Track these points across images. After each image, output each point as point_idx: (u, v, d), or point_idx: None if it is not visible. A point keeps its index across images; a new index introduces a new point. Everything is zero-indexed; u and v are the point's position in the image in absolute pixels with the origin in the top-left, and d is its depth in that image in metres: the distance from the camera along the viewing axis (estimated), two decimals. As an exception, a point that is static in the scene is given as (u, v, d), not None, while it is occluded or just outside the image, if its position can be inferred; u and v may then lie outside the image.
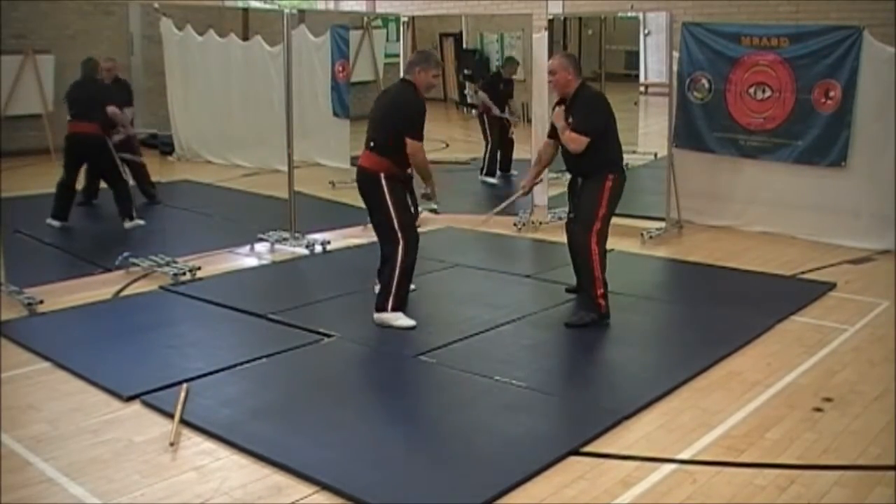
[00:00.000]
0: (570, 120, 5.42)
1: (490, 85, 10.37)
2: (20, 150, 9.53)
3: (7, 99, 10.00)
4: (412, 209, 5.54)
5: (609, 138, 5.47)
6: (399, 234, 5.29)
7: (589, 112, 5.40)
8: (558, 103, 5.63)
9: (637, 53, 10.33)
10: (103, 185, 8.27)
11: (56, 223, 7.63)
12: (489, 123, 10.17)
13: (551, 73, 5.49)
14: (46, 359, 4.82)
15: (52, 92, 10.63)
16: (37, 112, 10.60)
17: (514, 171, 10.14)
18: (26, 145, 10.00)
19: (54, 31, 10.72)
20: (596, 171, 5.43)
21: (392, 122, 5.28)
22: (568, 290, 5.98)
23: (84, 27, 10.36)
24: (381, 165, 5.26)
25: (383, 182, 5.25)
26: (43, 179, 8.61)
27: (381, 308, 5.35)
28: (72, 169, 7.78)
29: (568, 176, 9.32)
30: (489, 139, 10.19)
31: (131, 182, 8.18)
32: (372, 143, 5.32)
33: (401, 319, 5.32)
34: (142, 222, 7.69)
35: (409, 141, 5.20)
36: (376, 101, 5.62)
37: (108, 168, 7.71)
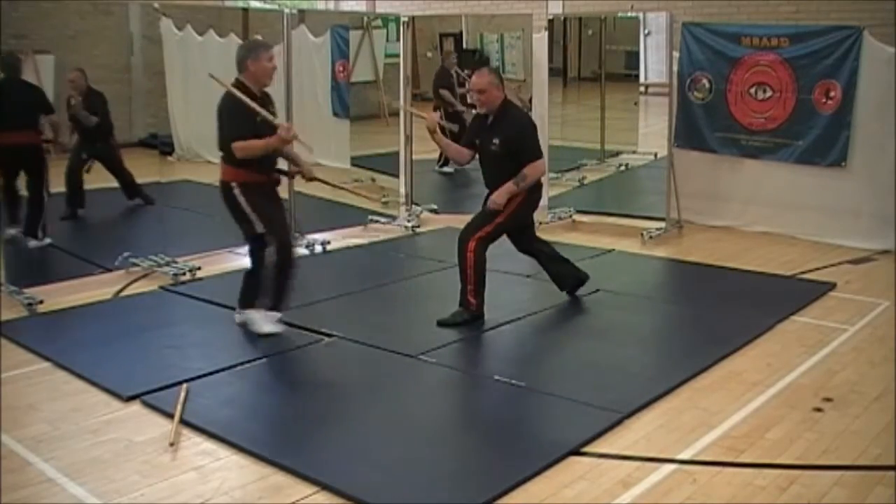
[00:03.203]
0: (496, 141, 5.36)
1: None
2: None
3: (7, 99, 9.98)
4: (280, 212, 5.26)
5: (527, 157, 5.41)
6: (271, 237, 5.08)
7: (526, 137, 5.39)
8: (479, 116, 5.57)
9: (637, 53, 10.35)
10: (99, 186, 8.26)
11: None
12: None
13: (480, 91, 5.36)
14: (46, 359, 4.82)
15: (53, 92, 10.64)
16: (36, 112, 10.60)
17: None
18: (26, 145, 9.98)
19: (54, 31, 10.70)
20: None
21: (221, 130, 4.97)
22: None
23: (84, 27, 10.36)
24: (232, 175, 4.99)
25: (236, 191, 4.99)
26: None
27: (269, 306, 5.14)
28: (9, 181, 6.80)
29: (568, 176, 9.31)
30: None
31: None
32: (221, 154, 5.02)
33: (268, 325, 5.13)
34: (48, 241, 6.99)
35: (233, 146, 4.83)
36: None
37: (38, 179, 6.94)
